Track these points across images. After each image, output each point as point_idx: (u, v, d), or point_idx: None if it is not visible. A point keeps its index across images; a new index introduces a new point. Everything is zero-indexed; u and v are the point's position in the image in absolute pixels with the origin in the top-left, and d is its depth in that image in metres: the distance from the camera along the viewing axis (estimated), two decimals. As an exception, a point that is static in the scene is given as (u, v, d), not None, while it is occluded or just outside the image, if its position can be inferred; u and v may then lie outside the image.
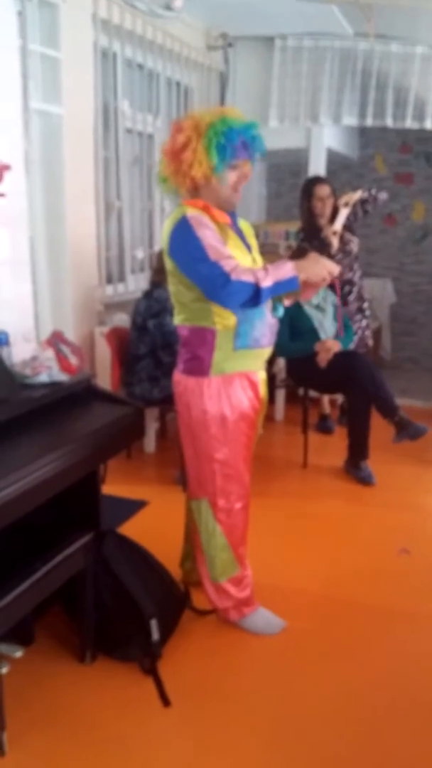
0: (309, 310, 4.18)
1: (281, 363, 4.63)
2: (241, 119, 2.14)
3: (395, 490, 3.74)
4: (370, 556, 3.02)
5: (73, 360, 2.35)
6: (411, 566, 2.96)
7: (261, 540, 3.24)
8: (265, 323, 2.28)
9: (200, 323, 2.23)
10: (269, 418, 5.01)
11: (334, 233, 4.20)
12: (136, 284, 4.45)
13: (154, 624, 2.24)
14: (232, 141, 2.08)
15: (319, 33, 4.93)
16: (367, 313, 4.59)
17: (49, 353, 2.33)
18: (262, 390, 2.41)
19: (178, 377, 2.35)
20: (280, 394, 5.08)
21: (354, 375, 3.72)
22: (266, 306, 2.24)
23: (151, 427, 4.29)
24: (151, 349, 3.64)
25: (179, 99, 4.94)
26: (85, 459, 2.10)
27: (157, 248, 4.25)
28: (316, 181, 4.38)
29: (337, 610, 2.64)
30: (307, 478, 4.01)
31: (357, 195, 4.20)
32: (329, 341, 3.92)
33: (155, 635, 2.24)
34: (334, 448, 4.32)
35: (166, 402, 3.73)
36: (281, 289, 2.07)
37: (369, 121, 5.09)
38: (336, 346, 3.89)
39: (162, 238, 2.25)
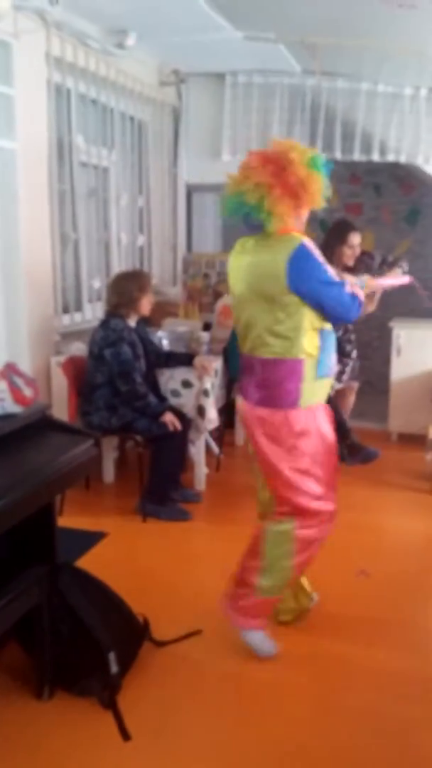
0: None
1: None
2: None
3: (352, 511, 3.77)
4: (329, 578, 3.04)
5: (27, 392, 2.35)
6: (370, 587, 3.00)
7: (222, 565, 3.25)
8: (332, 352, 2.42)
9: (291, 354, 2.29)
10: (230, 443, 5.04)
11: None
12: (93, 313, 4.47)
13: (112, 657, 2.22)
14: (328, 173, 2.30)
15: (269, 70, 5.08)
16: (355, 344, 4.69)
17: (2, 385, 2.32)
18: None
19: (259, 411, 2.37)
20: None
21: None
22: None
23: (110, 456, 4.27)
24: (108, 378, 3.65)
25: (133, 133, 5.02)
26: (40, 491, 2.09)
27: (110, 278, 4.27)
28: (352, 228, 4.39)
29: (295, 634, 2.65)
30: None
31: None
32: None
33: (114, 668, 2.22)
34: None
35: (125, 431, 3.74)
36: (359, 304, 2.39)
37: (319, 154, 5.23)
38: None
39: (264, 267, 2.28)
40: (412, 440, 5.13)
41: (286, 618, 2.69)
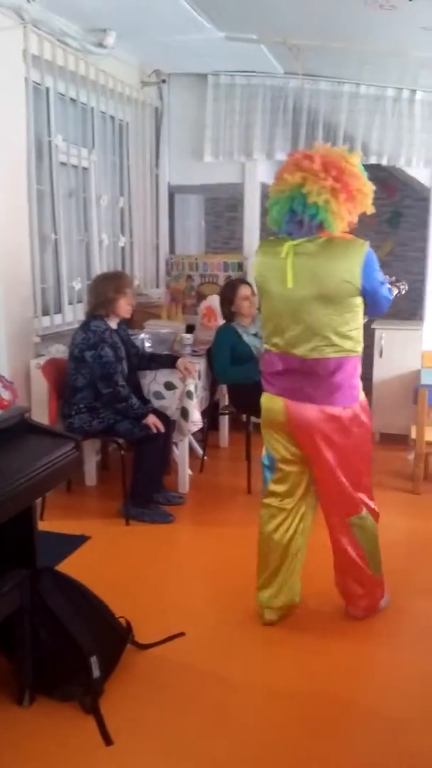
0: (247, 338, 4.25)
1: (224, 390, 4.66)
2: None
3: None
4: (313, 577, 3.02)
5: (5, 395, 2.31)
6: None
7: (206, 567, 3.23)
8: None
9: (355, 352, 2.47)
10: (214, 445, 5.02)
11: None
12: (74, 315, 4.43)
13: (94, 661, 2.19)
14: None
15: (251, 71, 5.08)
16: None
17: (-20, 388, 2.29)
18: None
19: (332, 410, 2.46)
20: (224, 421, 5.10)
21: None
22: None
23: (92, 459, 4.24)
24: (90, 381, 3.62)
25: (114, 133, 4.99)
26: (19, 495, 2.06)
27: (91, 280, 4.23)
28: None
29: (280, 633, 2.64)
30: (251, 504, 4.01)
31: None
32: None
33: (96, 672, 2.19)
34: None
35: (107, 433, 3.70)
36: None
37: (301, 156, 5.24)
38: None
39: (340, 271, 2.36)
40: (395, 440, 5.15)
41: (271, 618, 2.69)
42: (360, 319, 2.46)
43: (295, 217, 2.38)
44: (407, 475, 4.42)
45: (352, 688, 2.34)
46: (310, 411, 2.46)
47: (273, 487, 2.68)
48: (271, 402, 2.56)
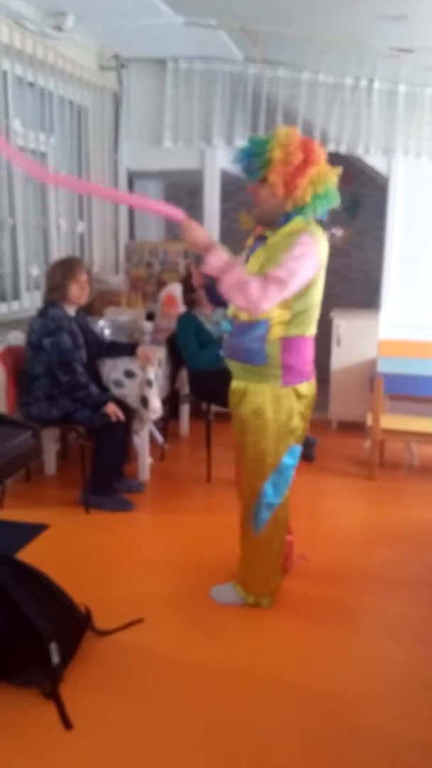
0: (209, 326, 4.27)
1: (185, 378, 4.67)
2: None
3: (292, 497, 3.85)
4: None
5: (-38, 382, 2.29)
6: (308, 571, 3.06)
7: (166, 555, 3.26)
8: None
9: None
10: (175, 433, 5.04)
11: None
12: (32, 302, 4.38)
13: (53, 647, 2.21)
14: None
15: (211, 57, 5.06)
16: None
17: None
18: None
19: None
20: (185, 410, 5.13)
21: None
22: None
23: (51, 448, 4.22)
24: (48, 368, 3.59)
25: (73, 118, 4.93)
26: (-24, 483, 2.05)
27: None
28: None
29: (238, 619, 2.69)
30: (211, 491, 4.06)
31: None
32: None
33: (55, 659, 2.21)
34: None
35: (66, 421, 3.69)
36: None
37: (261, 143, 5.25)
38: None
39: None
40: (352, 428, 5.25)
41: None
42: None
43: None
44: (364, 462, 4.51)
45: (304, 669, 2.39)
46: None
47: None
48: (312, 388, 2.66)
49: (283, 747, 2.02)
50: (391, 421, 4.42)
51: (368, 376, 5.07)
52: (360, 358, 5.24)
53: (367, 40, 4.18)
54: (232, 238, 5.43)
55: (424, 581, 3.04)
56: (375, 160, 5.27)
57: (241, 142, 5.24)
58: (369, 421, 4.38)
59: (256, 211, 2.51)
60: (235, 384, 2.65)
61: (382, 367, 4.91)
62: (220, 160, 5.38)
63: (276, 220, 2.46)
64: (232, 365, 2.62)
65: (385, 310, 5.39)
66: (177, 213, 2.46)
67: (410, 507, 3.92)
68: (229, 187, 5.88)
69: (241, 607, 2.75)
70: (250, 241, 2.63)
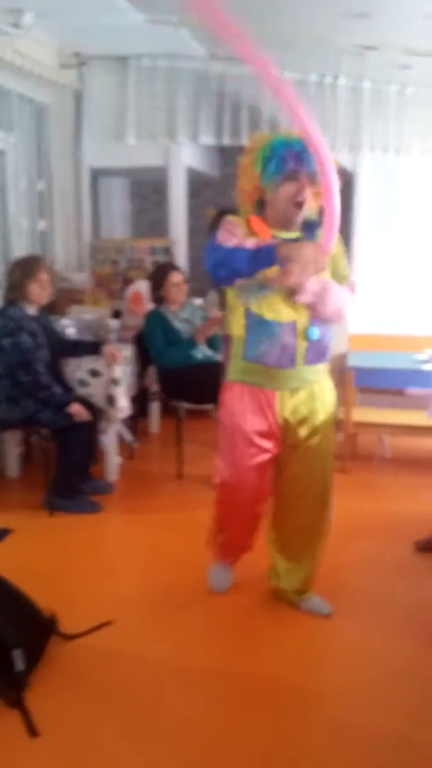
0: (178, 324, 4.22)
1: (153, 376, 4.61)
2: (289, 134, 2.33)
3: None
4: (243, 564, 3.05)
5: None
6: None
7: (134, 555, 3.21)
8: (274, 341, 2.36)
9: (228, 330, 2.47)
10: (144, 432, 4.99)
11: None
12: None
13: (17, 654, 2.16)
14: (277, 152, 2.28)
15: (174, 54, 5.02)
16: None
17: None
18: (282, 408, 2.51)
19: None
20: (155, 408, 5.08)
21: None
22: (280, 326, 2.35)
23: (14, 450, 4.13)
24: (8, 369, 3.52)
25: (32, 116, 4.86)
26: None
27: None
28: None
29: (209, 619, 2.65)
30: (182, 489, 4.02)
31: None
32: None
33: (20, 665, 2.15)
34: (209, 457, 4.35)
35: (28, 423, 3.61)
36: (260, 259, 2.14)
37: (226, 140, 5.24)
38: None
39: None
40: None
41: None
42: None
43: None
44: (336, 455, 4.49)
45: (279, 666, 2.37)
46: None
47: None
48: None
49: (257, 745, 1.99)
50: (362, 413, 4.42)
51: (338, 370, 5.07)
52: (331, 352, 5.23)
53: (331, 36, 4.18)
54: (200, 235, 5.39)
55: (399, 573, 3.03)
56: (340, 157, 5.28)
57: (207, 139, 5.23)
58: (341, 414, 4.37)
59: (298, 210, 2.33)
60: (304, 393, 2.57)
61: (353, 361, 4.91)
62: (185, 156, 5.34)
63: (292, 222, 2.36)
64: (308, 371, 2.55)
65: (355, 305, 5.39)
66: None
67: (384, 498, 3.94)
68: (195, 185, 5.85)
69: (212, 606, 2.71)
70: (257, 241, 2.32)
